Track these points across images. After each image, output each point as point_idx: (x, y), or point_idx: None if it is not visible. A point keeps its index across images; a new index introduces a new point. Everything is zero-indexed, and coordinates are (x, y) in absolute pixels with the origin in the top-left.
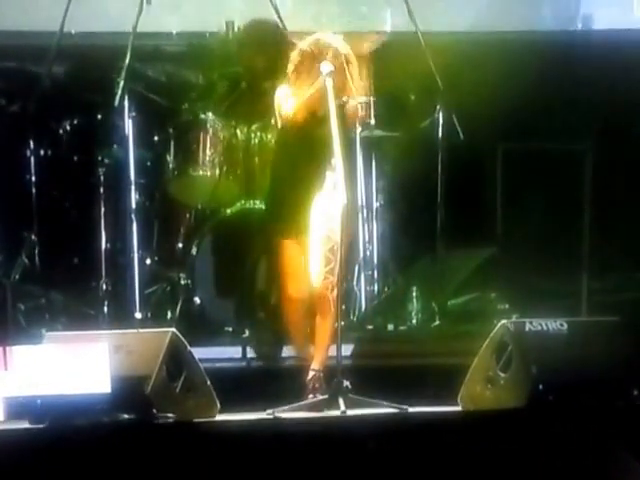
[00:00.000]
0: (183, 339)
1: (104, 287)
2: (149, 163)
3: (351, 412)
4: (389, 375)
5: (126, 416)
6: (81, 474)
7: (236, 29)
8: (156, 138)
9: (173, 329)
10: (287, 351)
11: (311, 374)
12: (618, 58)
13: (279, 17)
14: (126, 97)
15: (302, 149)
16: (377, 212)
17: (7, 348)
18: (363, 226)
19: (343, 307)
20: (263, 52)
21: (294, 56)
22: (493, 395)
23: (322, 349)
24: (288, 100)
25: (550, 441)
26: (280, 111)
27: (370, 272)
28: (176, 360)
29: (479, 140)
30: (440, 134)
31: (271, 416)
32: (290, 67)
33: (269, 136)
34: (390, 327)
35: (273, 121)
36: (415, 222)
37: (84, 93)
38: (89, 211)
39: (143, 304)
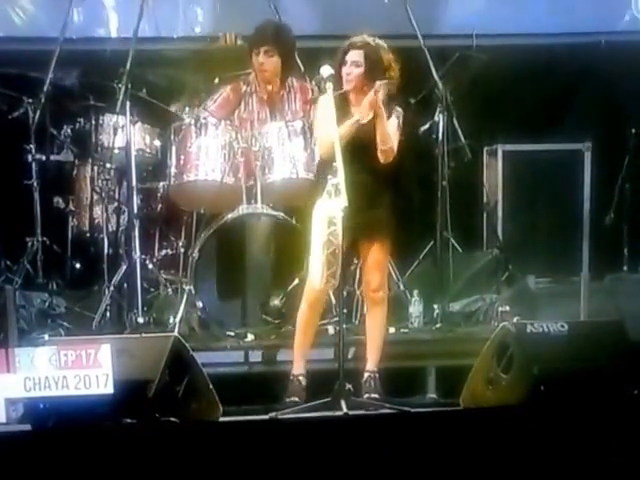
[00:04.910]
0: (185, 343)
1: (106, 291)
2: (151, 168)
3: (353, 414)
4: (391, 377)
5: (129, 420)
6: (84, 478)
7: (235, 34)
8: (158, 142)
9: (175, 333)
10: (288, 355)
11: (366, 375)
12: (618, 58)
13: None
14: (127, 102)
15: None
16: None
17: (10, 350)
18: None
19: (345, 310)
20: (275, 54)
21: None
22: (494, 396)
23: (374, 350)
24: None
25: (550, 441)
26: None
27: None
28: (179, 364)
29: (479, 141)
30: (440, 137)
31: (274, 419)
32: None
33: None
34: (391, 330)
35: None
36: (415, 224)
37: (85, 98)
38: (91, 216)
39: (145, 308)
